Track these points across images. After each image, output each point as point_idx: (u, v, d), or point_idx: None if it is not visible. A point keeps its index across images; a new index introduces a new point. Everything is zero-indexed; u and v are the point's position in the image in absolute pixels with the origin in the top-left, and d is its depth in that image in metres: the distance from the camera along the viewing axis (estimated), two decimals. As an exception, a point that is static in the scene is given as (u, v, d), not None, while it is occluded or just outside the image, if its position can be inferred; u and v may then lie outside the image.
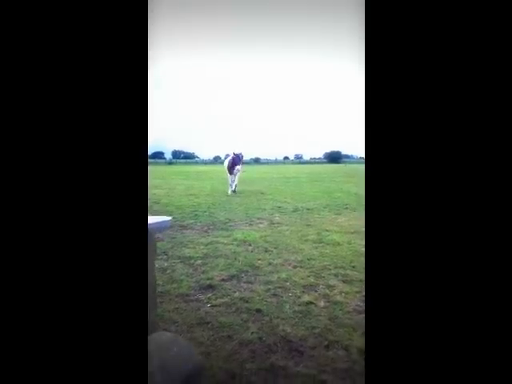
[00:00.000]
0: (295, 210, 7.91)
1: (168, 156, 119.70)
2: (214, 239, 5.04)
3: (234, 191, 11.39)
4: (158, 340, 1.09)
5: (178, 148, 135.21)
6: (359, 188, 12.83)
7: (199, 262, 3.99)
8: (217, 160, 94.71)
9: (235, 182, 11.55)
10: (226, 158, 12.52)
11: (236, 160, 11.08)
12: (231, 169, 11.29)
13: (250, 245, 4.74)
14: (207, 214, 7.36)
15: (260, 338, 2.32)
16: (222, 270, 3.67)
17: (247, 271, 3.66)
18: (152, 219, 1.71)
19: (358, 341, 2.27)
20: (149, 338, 1.00)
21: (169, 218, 1.83)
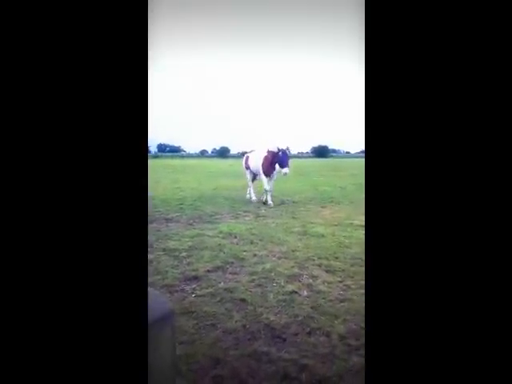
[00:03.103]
0: (281, 203, 7.98)
1: (153, 149, 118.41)
2: (200, 232, 5.05)
3: (265, 202, 7.97)
4: None
5: (163, 141, 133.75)
6: (344, 182, 12.99)
7: (184, 254, 4.00)
8: (203, 154, 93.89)
9: (271, 190, 8.08)
10: (245, 155, 9.12)
11: (283, 159, 7.50)
12: (269, 170, 7.87)
13: (235, 237, 4.77)
14: (193, 207, 7.35)
15: (244, 326, 2.37)
16: (207, 262, 3.70)
17: (232, 262, 3.70)
18: None
19: (339, 327, 2.35)
20: None
21: None
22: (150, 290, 1.26)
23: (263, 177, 7.95)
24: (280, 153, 7.49)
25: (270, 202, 7.74)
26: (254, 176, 8.69)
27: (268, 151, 7.86)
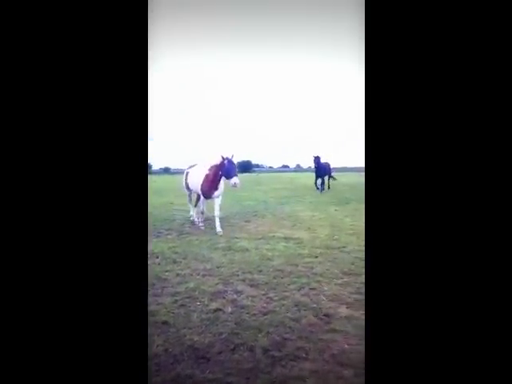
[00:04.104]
0: (206, 220, 7.88)
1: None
2: (118, 253, 4.74)
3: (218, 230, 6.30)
4: None
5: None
6: (267, 196, 13.39)
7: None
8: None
9: (218, 213, 6.53)
10: (185, 171, 7.59)
11: (229, 169, 6.06)
12: (211, 190, 6.40)
13: (157, 257, 4.59)
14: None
15: (166, 350, 2.27)
16: (126, 285, 3.48)
17: (154, 284, 3.54)
18: None
19: (263, 341, 2.39)
20: None
21: None
22: None
23: (201, 198, 6.67)
24: (225, 161, 6.09)
25: (219, 229, 6.28)
26: (198, 197, 7.13)
27: (210, 167, 6.40)
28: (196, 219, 7.05)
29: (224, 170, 6.11)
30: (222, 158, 6.14)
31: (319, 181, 15.12)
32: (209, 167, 6.45)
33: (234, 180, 5.95)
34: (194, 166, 7.45)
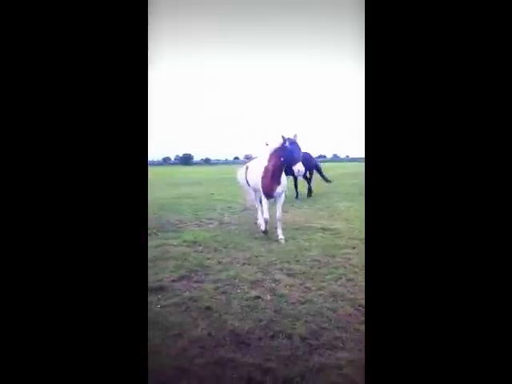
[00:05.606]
0: (244, 210, 8.05)
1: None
2: (164, 241, 5.03)
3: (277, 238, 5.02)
4: None
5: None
6: (303, 186, 13.29)
7: (149, 264, 3.97)
8: (166, 161, 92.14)
9: (280, 218, 5.16)
10: (245, 166, 6.01)
11: (293, 151, 4.67)
12: (272, 186, 4.99)
13: (199, 245, 4.80)
14: (156, 216, 7.25)
15: (209, 334, 2.43)
16: (172, 272, 3.71)
17: (197, 271, 3.73)
18: None
19: (301, 329, 2.47)
20: None
21: None
22: None
23: (263, 199, 5.19)
24: (287, 143, 4.70)
25: (280, 236, 5.02)
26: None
27: (270, 156, 4.98)
28: (263, 226, 5.30)
29: (286, 154, 4.70)
30: (284, 139, 4.74)
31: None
32: (267, 157, 5.04)
33: (298, 167, 4.59)
34: (254, 158, 6.03)
